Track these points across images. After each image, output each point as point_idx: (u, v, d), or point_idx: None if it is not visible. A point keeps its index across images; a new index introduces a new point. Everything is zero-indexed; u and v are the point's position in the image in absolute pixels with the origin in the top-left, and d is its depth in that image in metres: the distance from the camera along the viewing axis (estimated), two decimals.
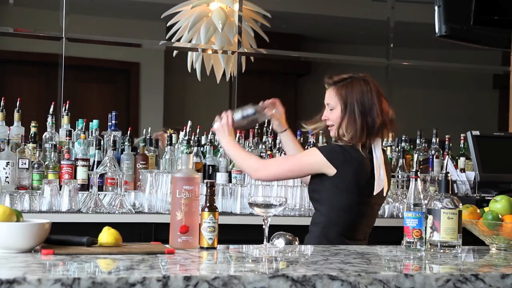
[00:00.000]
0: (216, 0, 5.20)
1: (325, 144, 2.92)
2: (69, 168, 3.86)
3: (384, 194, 2.85)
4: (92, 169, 3.83)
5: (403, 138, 4.50)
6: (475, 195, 4.20)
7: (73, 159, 3.90)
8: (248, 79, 5.25)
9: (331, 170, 2.75)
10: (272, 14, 5.36)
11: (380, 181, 2.77)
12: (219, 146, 4.21)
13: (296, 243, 2.36)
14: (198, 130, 4.34)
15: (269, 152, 4.20)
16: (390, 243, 2.45)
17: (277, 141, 4.09)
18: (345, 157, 2.76)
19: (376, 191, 2.78)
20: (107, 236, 2.04)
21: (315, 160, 2.77)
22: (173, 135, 4.17)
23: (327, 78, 2.89)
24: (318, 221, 2.82)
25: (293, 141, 3.10)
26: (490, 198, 3.49)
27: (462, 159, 4.45)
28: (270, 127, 4.23)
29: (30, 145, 3.89)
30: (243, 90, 5.17)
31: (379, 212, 3.97)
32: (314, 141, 4.26)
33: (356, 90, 2.80)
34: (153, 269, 1.70)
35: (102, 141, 3.94)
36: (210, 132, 4.34)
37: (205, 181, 2.21)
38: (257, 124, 3.11)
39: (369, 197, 2.80)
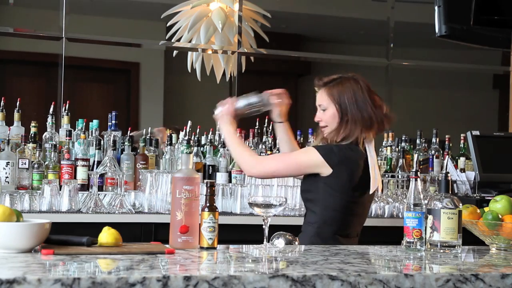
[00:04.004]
0: (216, 0, 5.20)
1: (322, 144, 2.89)
2: (69, 168, 3.86)
3: (379, 193, 2.87)
4: (92, 169, 3.83)
5: (403, 138, 4.50)
6: (475, 195, 4.20)
7: (73, 159, 3.89)
8: (248, 79, 5.24)
9: (326, 170, 2.76)
10: (272, 14, 5.36)
11: (375, 180, 2.79)
12: (219, 146, 4.21)
13: (296, 243, 2.36)
14: (198, 130, 4.33)
15: (269, 152, 4.20)
16: (390, 243, 2.45)
17: (277, 141, 4.07)
18: (341, 157, 2.76)
19: (371, 190, 2.80)
20: (107, 236, 2.04)
21: (312, 159, 2.77)
22: (173, 135, 4.17)
23: (316, 80, 2.90)
24: (312, 221, 2.83)
25: (288, 135, 3.06)
26: (490, 198, 3.49)
27: (462, 159, 4.45)
28: (270, 127, 4.22)
29: (30, 145, 3.89)
30: (243, 90, 5.15)
31: (379, 212, 4.01)
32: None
33: (347, 88, 2.82)
34: (153, 269, 1.70)
35: (102, 141, 3.94)
36: (210, 132, 4.34)
37: (205, 181, 2.21)
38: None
39: (362, 196, 2.82)
